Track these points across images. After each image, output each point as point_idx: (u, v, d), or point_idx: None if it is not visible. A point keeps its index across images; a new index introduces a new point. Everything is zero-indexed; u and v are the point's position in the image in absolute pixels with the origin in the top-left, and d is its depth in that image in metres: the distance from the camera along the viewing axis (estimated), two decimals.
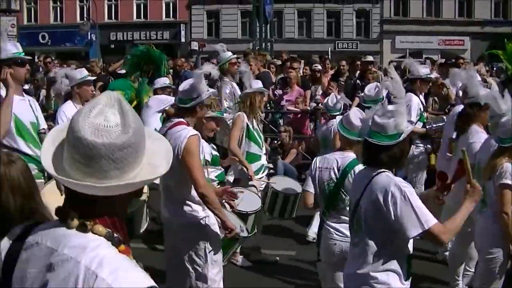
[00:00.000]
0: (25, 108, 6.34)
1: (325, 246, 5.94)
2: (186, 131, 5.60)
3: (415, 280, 4.91)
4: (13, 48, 6.23)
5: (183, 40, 49.89)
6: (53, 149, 2.27)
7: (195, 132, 5.62)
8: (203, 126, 6.47)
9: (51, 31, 50.73)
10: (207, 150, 7.09)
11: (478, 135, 6.94)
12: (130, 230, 6.26)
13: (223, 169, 8.14)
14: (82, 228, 2.17)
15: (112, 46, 48.48)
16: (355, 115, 5.82)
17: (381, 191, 4.24)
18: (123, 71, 13.84)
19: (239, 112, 8.22)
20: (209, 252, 5.75)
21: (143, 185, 2.30)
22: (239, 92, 9.84)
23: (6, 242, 2.33)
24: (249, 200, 7.17)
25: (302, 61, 17.17)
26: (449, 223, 4.27)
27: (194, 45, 43.88)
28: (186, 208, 5.72)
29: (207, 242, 5.76)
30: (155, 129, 9.88)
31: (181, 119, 5.77)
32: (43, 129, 6.51)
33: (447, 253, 7.62)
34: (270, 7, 31.13)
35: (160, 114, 10.15)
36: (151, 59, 11.88)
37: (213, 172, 7.47)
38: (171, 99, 9.93)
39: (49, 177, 6.18)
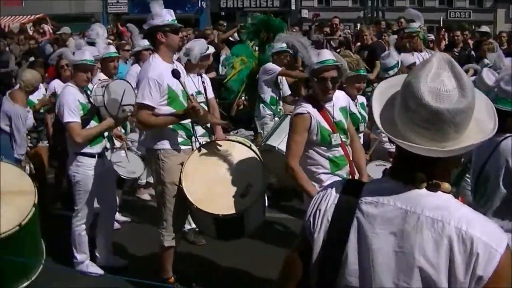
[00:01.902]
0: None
1: None
2: (297, 108, 5.72)
3: None
4: (168, 16, 6.38)
5: (293, 7, 49.64)
6: (380, 110, 2.32)
7: (305, 110, 5.64)
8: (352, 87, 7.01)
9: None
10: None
11: None
12: (240, 229, 6.41)
13: None
14: (433, 188, 2.21)
15: (222, 13, 48.87)
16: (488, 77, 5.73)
17: (508, 155, 4.29)
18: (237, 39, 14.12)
19: None
20: None
21: (476, 146, 2.26)
22: None
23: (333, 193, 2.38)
24: None
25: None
26: None
27: (304, 13, 43.74)
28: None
29: None
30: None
31: (310, 94, 5.89)
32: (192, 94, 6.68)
33: None
34: None
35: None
36: (271, 27, 11.74)
37: None
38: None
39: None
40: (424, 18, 11.29)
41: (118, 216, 9.02)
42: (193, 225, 7.49)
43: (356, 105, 7.37)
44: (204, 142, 6.69)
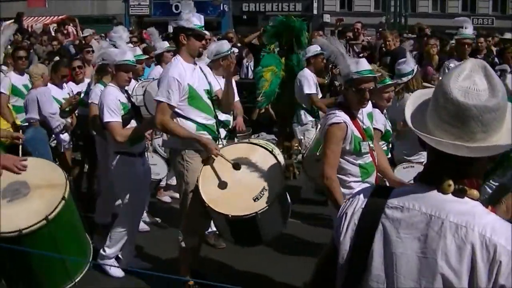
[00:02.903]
0: (198, 76, 6.51)
1: None
2: (332, 117, 5.61)
3: None
4: (197, 21, 6.42)
5: (315, 12, 49.61)
6: (411, 112, 2.35)
7: (341, 119, 5.56)
8: (380, 96, 6.88)
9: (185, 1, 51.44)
10: (381, 121, 7.06)
11: None
12: (256, 235, 6.30)
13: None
14: (460, 194, 2.21)
15: (244, 17, 48.95)
16: None
17: None
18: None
19: None
20: None
21: (503, 150, 2.25)
22: None
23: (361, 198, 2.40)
24: None
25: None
26: None
27: (326, 18, 43.70)
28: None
29: None
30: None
31: (342, 101, 5.77)
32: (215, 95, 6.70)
33: None
34: None
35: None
36: (291, 29, 11.67)
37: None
38: None
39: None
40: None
41: (146, 217, 9.09)
42: (214, 228, 7.47)
43: (387, 121, 7.35)
44: (226, 145, 6.69)
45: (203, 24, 6.53)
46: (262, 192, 6.12)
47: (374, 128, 6.65)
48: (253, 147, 6.68)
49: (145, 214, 8.95)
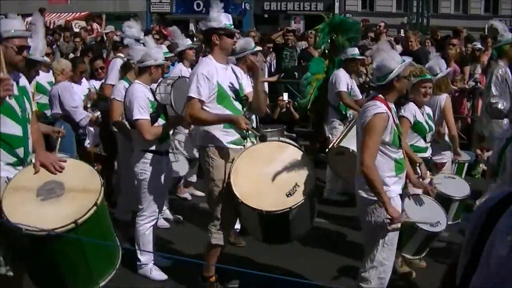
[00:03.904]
0: (230, 77, 6.53)
1: None
2: (374, 108, 5.63)
3: None
4: (225, 19, 6.45)
5: (336, 11, 49.36)
6: None
7: (383, 110, 5.61)
8: (418, 92, 7.14)
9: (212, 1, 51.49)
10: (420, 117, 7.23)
11: None
12: (286, 232, 6.34)
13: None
14: None
15: (266, 16, 48.95)
16: None
17: None
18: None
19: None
20: (381, 234, 5.75)
21: None
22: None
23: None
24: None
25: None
26: None
27: (348, 17, 43.49)
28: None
29: (379, 222, 5.74)
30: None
31: (378, 95, 5.80)
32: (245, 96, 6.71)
33: None
34: None
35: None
36: (346, 29, 11.35)
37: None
38: None
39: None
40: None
41: (168, 214, 9.12)
42: (235, 226, 7.47)
43: (423, 114, 7.37)
44: (254, 142, 6.68)
45: (231, 23, 6.56)
46: (294, 188, 6.16)
47: (402, 116, 6.88)
48: (284, 145, 6.77)
49: (166, 211, 8.98)
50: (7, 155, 5.24)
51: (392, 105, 5.86)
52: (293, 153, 6.52)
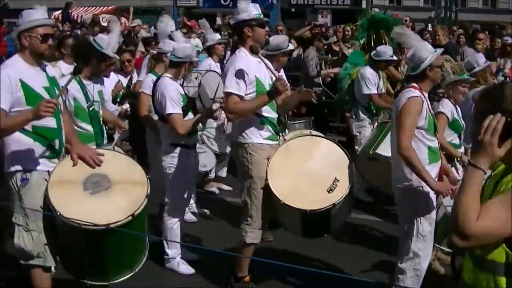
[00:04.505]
0: (264, 70, 6.40)
1: None
2: (409, 93, 5.76)
3: None
4: (255, 10, 6.36)
5: (364, 6, 49.03)
6: None
7: (418, 94, 5.72)
8: (457, 91, 7.14)
9: None
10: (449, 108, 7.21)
11: None
12: (327, 225, 6.31)
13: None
14: None
15: (293, 10, 48.79)
16: None
17: None
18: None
19: None
20: (416, 223, 5.79)
21: None
22: None
23: None
24: None
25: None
26: None
27: (375, 12, 43.16)
28: (404, 169, 5.77)
29: (416, 212, 5.80)
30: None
31: (413, 84, 5.90)
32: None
33: None
34: None
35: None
36: (387, 27, 11.34)
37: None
38: None
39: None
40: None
41: (195, 208, 9.13)
42: None
43: (457, 112, 7.36)
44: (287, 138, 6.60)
45: (260, 12, 6.46)
46: (335, 183, 6.09)
47: (440, 112, 6.95)
48: (317, 138, 6.70)
49: (193, 205, 8.98)
50: (42, 148, 5.29)
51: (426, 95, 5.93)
52: (329, 146, 6.45)
